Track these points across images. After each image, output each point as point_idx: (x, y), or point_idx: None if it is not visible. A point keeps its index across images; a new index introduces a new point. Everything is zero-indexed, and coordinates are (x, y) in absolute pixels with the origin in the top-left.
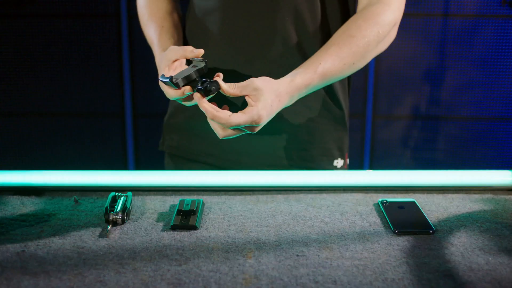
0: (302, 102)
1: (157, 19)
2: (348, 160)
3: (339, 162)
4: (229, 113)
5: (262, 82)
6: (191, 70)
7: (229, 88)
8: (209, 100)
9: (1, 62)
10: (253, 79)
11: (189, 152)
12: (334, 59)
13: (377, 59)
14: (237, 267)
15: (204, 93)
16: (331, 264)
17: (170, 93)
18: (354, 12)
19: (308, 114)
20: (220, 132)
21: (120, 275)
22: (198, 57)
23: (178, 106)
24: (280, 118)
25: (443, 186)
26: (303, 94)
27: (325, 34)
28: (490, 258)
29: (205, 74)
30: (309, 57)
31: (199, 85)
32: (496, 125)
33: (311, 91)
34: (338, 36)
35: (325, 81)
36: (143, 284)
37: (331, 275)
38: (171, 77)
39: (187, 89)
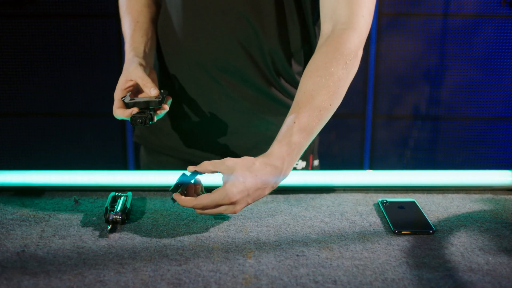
0: (256, 103)
1: (133, 12)
2: (315, 162)
3: (299, 164)
4: (194, 198)
5: (235, 160)
6: (145, 99)
7: (204, 165)
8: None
9: (1, 62)
10: (228, 158)
11: (151, 143)
12: (309, 111)
13: (377, 59)
14: (237, 267)
15: (131, 122)
16: (331, 264)
17: (118, 112)
18: (314, 27)
19: (263, 113)
20: (198, 212)
21: (120, 275)
22: (152, 95)
23: None
24: (236, 116)
25: (443, 186)
26: (294, 154)
27: (283, 50)
28: (490, 258)
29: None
30: (264, 70)
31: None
32: (496, 125)
33: (303, 148)
34: (306, 81)
35: (310, 133)
36: (143, 284)
37: (331, 275)
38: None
39: (134, 111)
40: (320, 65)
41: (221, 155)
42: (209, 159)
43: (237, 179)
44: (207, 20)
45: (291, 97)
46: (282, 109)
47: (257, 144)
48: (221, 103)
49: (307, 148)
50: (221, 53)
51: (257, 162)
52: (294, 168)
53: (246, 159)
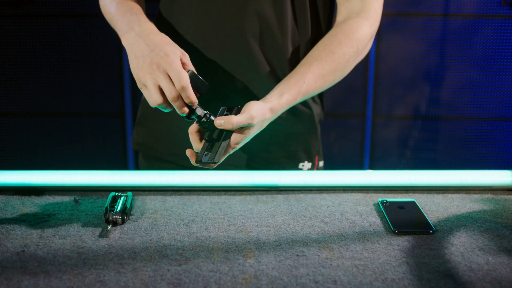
0: None
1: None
2: (320, 163)
3: (305, 165)
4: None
5: (251, 102)
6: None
7: (232, 123)
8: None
9: (1, 62)
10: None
11: (154, 150)
12: (317, 78)
13: (377, 59)
14: (237, 267)
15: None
16: (331, 264)
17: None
18: (326, 26)
19: None
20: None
21: (120, 275)
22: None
23: (147, 107)
24: None
25: (443, 186)
26: (288, 106)
27: (294, 48)
28: (490, 258)
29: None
30: (275, 70)
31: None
32: (496, 125)
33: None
34: (320, 51)
35: (306, 98)
36: (143, 284)
37: (331, 275)
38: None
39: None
40: (334, 42)
41: (225, 161)
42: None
43: (260, 109)
44: (221, 17)
45: (306, 105)
46: (293, 110)
47: (265, 146)
48: (229, 105)
49: (313, 149)
50: (233, 52)
51: (268, 115)
52: (300, 169)
53: (261, 110)
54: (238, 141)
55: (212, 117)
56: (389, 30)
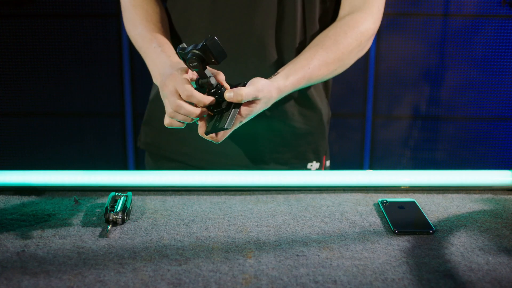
0: (275, 105)
1: (153, 22)
2: (327, 163)
3: (313, 165)
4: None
5: (256, 78)
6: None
7: (241, 96)
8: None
9: (1, 62)
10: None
11: (163, 149)
12: (321, 65)
13: (377, 59)
14: (237, 267)
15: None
16: (331, 264)
17: (191, 110)
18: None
19: (281, 117)
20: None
21: (120, 275)
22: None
23: (155, 107)
24: (253, 120)
25: (443, 186)
26: (292, 89)
27: (302, 46)
28: (490, 258)
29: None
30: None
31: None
32: (496, 125)
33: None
34: (325, 40)
35: (308, 84)
36: (143, 284)
37: (331, 275)
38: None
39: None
40: (340, 33)
41: (235, 162)
42: (222, 165)
43: (267, 84)
44: (232, 16)
45: (309, 101)
46: (302, 111)
47: (274, 147)
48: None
49: (321, 149)
50: (244, 51)
51: (274, 94)
52: (308, 169)
53: (267, 86)
54: (246, 113)
55: (223, 89)
56: (389, 30)
